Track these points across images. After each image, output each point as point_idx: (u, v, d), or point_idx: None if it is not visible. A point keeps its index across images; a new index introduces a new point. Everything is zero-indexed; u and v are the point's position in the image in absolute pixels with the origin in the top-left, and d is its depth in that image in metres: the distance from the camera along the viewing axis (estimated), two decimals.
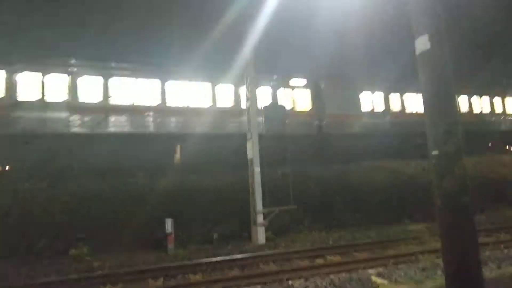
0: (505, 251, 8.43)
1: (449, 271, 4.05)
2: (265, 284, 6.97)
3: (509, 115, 22.40)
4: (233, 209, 12.17)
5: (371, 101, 17.94)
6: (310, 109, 16.15)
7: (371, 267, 7.83)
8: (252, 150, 11.94)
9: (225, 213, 12.10)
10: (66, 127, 12.47)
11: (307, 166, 14.19)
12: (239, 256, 9.20)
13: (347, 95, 17.03)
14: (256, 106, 12.23)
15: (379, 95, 18.22)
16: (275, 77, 15.86)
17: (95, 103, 12.94)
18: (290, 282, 6.85)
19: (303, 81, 16.27)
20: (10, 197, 10.63)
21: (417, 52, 4.27)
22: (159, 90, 13.90)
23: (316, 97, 16.24)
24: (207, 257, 9.22)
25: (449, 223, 3.94)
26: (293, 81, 16.19)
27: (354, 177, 14.57)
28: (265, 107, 11.93)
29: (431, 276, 6.51)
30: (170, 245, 10.40)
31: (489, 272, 6.41)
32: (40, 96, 12.29)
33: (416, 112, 18.51)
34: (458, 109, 16.54)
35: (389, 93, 18.48)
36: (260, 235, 11.25)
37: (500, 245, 9.13)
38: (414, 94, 18.55)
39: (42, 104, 12.23)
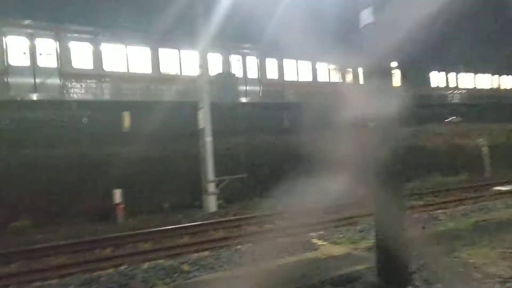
0: (431, 213, 9.39)
1: (379, 231, 4.48)
2: (213, 249, 7.18)
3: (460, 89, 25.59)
4: (185, 178, 12.15)
5: (438, 79, 24.27)
6: (400, 86, 19.62)
7: (314, 231, 8.36)
8: (204, 120, 11.81)
9: (177, 182, 12.05)
10: None
11: (257, 136, 14.41)
12: (189, 224, 9.32)
13: (419, 75, 22.27)
14: (208, 74, 11.99)
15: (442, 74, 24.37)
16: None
17: None
18: (238, 247, 7.11)
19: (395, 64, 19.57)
20: None
21: (361, 24, 4.45)
22: None
23: (403, 77, 19.31)
24: (157, 226, 9.25)
25: (381, 189, 4.30)
26: None
27: (304, 146, 15.05)
28: (216, 76, 11.72)
29: (367, 237, 7.08)
30: (120, 216, 10.23)
31: (414, 232, 7.14)
32: None
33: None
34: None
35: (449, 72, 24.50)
36: (212, 204, 11.42)
37: (427, 207, 10.17)
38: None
39: None
